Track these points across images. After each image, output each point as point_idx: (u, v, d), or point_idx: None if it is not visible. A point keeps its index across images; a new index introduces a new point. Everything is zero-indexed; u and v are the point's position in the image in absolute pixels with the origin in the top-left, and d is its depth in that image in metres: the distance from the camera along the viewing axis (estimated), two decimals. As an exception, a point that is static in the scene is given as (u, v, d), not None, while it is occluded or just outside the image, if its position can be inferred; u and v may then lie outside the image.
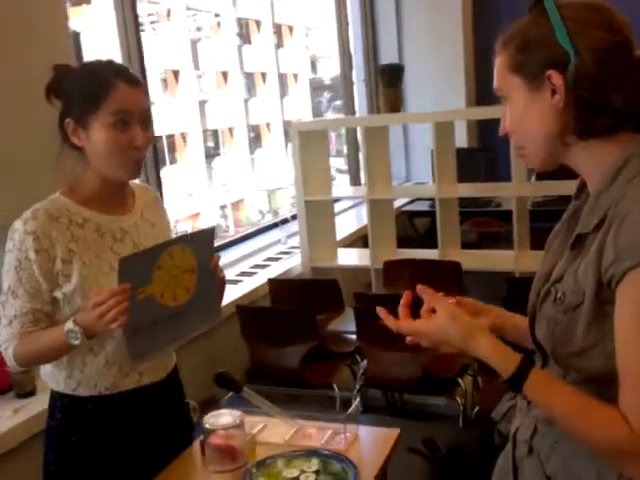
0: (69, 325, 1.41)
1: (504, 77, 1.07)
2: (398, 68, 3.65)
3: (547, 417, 1.05)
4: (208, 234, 1.61)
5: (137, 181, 1.74)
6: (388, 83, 3.52)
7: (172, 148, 15.88)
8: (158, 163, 3.46)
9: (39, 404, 2.19)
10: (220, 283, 1.63)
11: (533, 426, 1.11)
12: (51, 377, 1.58)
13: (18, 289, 1.47)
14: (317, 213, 3.83)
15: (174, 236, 1.74)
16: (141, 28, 3.24)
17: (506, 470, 1.17)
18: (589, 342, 0.97)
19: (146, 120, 1.50)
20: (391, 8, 5.78)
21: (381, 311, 1.16)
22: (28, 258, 1.45)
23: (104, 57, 1.56)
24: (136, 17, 3.18)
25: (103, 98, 1.43)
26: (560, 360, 1.04)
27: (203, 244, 1.57)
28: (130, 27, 3.16)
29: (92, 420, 1.56)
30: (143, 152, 1.49)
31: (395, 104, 3.53)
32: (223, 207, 17.26)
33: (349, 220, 5.03)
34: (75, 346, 1.43)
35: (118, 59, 3.08)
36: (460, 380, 2.92)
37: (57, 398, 1.58)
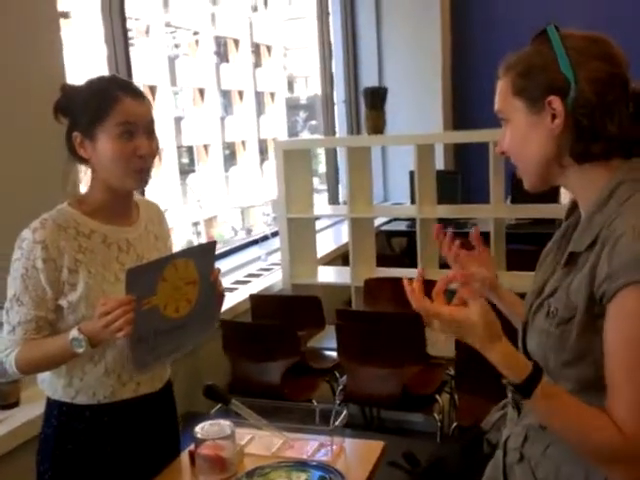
0: (74, 333, 1.43)
1: (506, 100, 1.13)
2: (382, 91, 3.73)
3: (545, 425, 1.09)
4: (210, 248, 1.65)
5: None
6: (372, 105, 3.60)
7: (147, 164, 15.74)
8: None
9: (23, 415, 2.19)
10: (219, 295, 1.67)
11: (524, 434, 1.16)
12: (49, 385, 1.60)
13: (24, 296, 1.49)
14: (299, 230, 3.87)
15: (175, 249, 1.78)
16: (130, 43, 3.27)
17: (495, 478, 1.21)
18: (579, 353, 1.03)
19: (151, 131, 1.55)
20: (372, 31, 5.89)
21: (406, 284, 1.12)
22: (35, 267, 1.48)
23: (101, 72, 1.62)
24: (125, 32, 3.21)
25: (109, 110, 1.48)
26: (550, 370, 1.09)
27: (205, 257, 1.62)
28: (119, 42, 3.18)
29: (89, 428, 1.58)
30: (148, 161, 1.54)
31: (378, 126, 3.61)
32: (196, 224, 17.19)
33: (328, 238, 5.07)
34: (79, 354, 1.45)
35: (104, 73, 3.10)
36: (438, 397, 2.97)
37: (54, 406, 1.60)
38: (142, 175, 1.54)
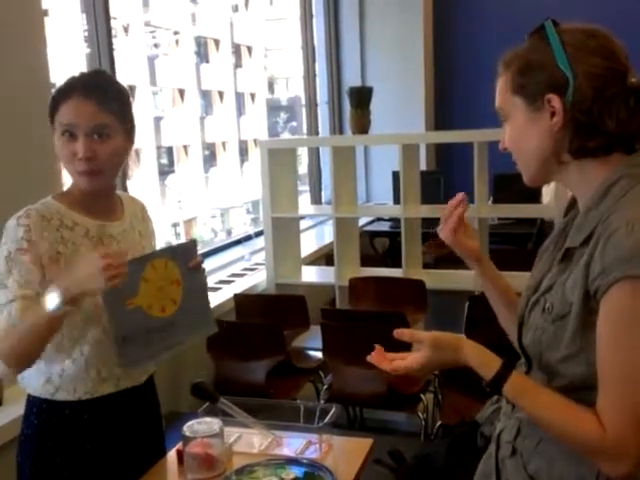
0: (48, 290, 1.36)
1: (506, 97, 1.13)
2: (367, 90, 3.74)
3: (528, 417, 1.11)
4: (191, 247, 1.65)
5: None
6: (357, 104, 3.61)
7: (126, 164, 15.64)
8: (126, 178, 3.45)
9: (6, 415, 2.16)
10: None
11: (517, 427, 1.16)
12: (29, 382, 1.58)
13: (7, 279, 1.45)
14: (283, 230, 3.87)
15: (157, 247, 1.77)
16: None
17: (488, 472, 1.22)
18: (574, 350, 1.04)
19: (99, 133, 1.49)
20: (355, 32, 5.92)
21: (375, 358, 1.28)
22: (19, 248, 1.46)
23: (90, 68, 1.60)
24: (109, 31, 3.18)
25: (58, 108, 1.50)
26: (545, 366, 1.10)
27: (186, 257, 1.61)
28: (102, 41, 3.15)
29: (69, 425, 1.56)
30: (93, 164, 1.49)
31: (363, 125, 3.62)
32: (175, 225, 17.10)
33: (311, 238, 5.08)
34: (52, 316, 1.35)
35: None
36: (422, 396, 2.98)
37: (34, 404, 1.58)
38: (88, 177, 1.50)
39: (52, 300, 1.34)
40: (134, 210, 1.71)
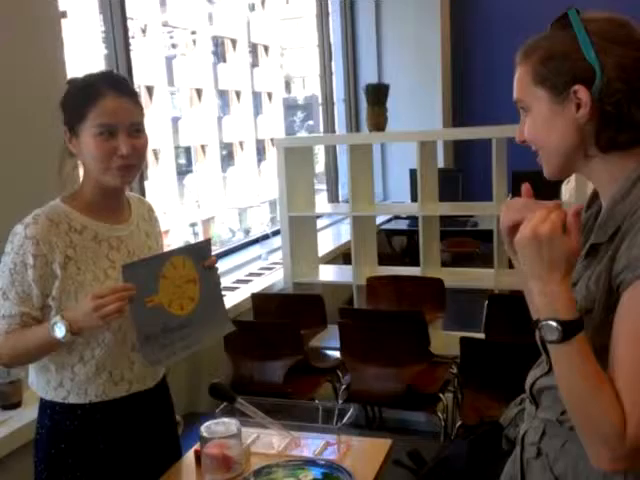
0: (55, 318, 1.43)
1: (526, 88, 1.09)
2: (383, 87, 3.72)
3: (558, 379, 1.03)
4: (205, 246, 1.66)
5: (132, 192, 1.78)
6: (373, 102, 3.59)
7: (145, 165, 15.75)
8: (143, 178, 3.47)
9: (25, 416, 2.17)
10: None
11: (542, 429, 1.14)
12: (39, 387, 1.59)
13: (9, 291, 1.49)
14: (300, 229, 3.86)
15: (166, 247, 1.78)
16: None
17: (513, 474, 1.19)
18: (597, 346, 1.01)
19: (136, 130, 1.52)
20: (372, 29, 5.90)
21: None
22: (24, 262, 1.47)
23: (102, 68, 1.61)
24: (126, 32, 3.19)
25: (90, 108, 1.48)
26: None
27: (201, 255, 1.63)
28: (119, 42, 3.16)
29: (82, 426, 1.57)
30: (131, 159, 1.51)
31: (380, 123, 3.60)
32: (193, 224, 17.18)
33: (328, 237, 5.06)
34: (59, 342, 1.44)
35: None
36: (442, 395, 2.95)
37: (47, 406, 1.59)
38: (124, 172, 1.52)
39: (59, 329, 1.42)
40: (141, 211, 1.72)
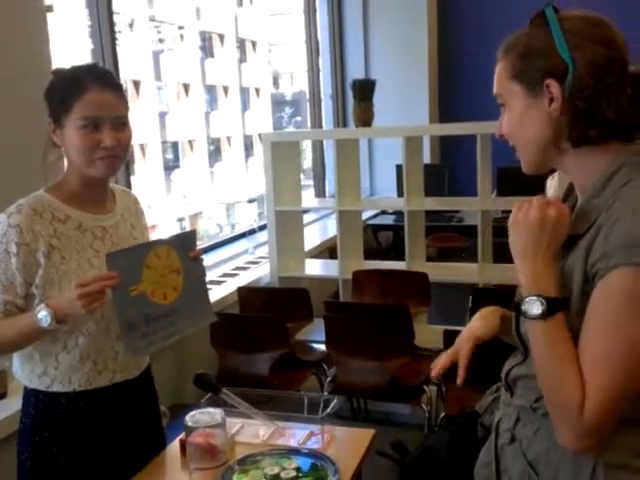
0: (40, 306, 1.44)
1: (504, 83, 1.12)
2: (370, 83, 3.73)
3: (534, 350, 1.08)
4: (190, 236, 1.67)
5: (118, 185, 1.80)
6: (360, 97, 3.61)
7: (130, 159, 15.71)
8: (129, 172, 3.47)
9: (11, 407, 2.16)
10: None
11: (516, 416, 1.17)
12: (23, 375, 1.60)
13: None
14: (287, 223, 3.87)
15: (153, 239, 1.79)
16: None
17: (488, 460, 1.22)
18: (572, 334, 1.04)
19: (120, 123, 1.54)
20: (359, 25, 5.91)
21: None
22: (7, 250, 1.48)
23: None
24: (112, 27, 3.19)
25: (74, 101, 1.49)
26: None
27: (186, 246, 1.64)
28: (105, 36, 3.16)
29: (66, 415, 1.58)
30: (116, 151, 1.52)
31: (366, 118, 3.61)
32: (181, 220, 17.13)
33: (315, 232, 5.08)
34: (44, 330, 1.45)
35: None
36: (426, 387, 2.98)
37: (31, 394, 1.60)
38: (108, 163, 1.53)
39: (44, 317, 1.43)
40: (126, 203, 1.73)
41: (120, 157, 1.55)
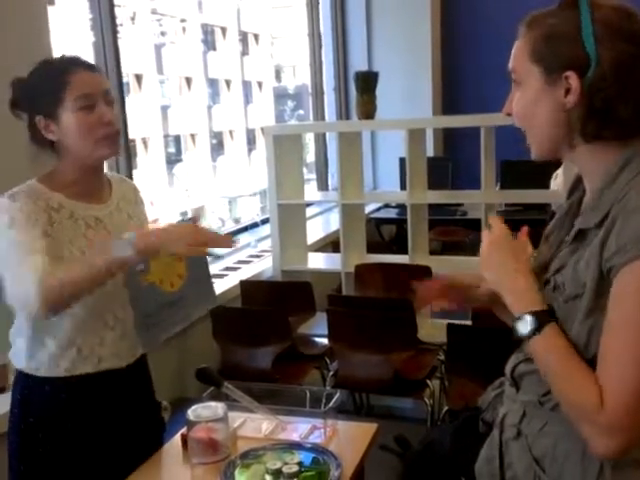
0: (126, 234, 1.40)
1: (522, 61, 1.08)
2: (373, 75, 3.71)
3: (538, 365, 1.09)
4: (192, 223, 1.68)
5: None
6: (363, 90, 3.58)
7: (133, 153, 15.70)
8: (131, 166, 3.46)
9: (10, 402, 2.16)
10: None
11: (522, 411, 1.15)
12: (18, 357, 1.61)
13: (21, 243, 1.44)
14: (289, 217, 3.86)
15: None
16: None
17: (491, 456, 1.20)
18: (585, 331, 1.02)
19: (109, 101, 1.57)
20: (362, 17, 5.88)
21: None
22: (13, 217, 1.46)
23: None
24: (114, 20, 3.18)
25: (65, 88, 1.50)
26: None
27: None
28: (107, 29, 3.15)
29: (47, 403, 1.58)
30: (115, 127, 1.55)
31: (369, 111, 3.59)
32: (183, 214, 17.13)
33: (317, 226, 5.07)
34: (121, 261, 1.39)
35: (91, 61, 3.08)
36: (429, 382, 2.97)
37: (20, 378, 1.61)
38: (112, 140, 1.56)
39: (127, 242, 1.38)
40: (124, 192, 1.72)
41: (119, 131, 1.59)
